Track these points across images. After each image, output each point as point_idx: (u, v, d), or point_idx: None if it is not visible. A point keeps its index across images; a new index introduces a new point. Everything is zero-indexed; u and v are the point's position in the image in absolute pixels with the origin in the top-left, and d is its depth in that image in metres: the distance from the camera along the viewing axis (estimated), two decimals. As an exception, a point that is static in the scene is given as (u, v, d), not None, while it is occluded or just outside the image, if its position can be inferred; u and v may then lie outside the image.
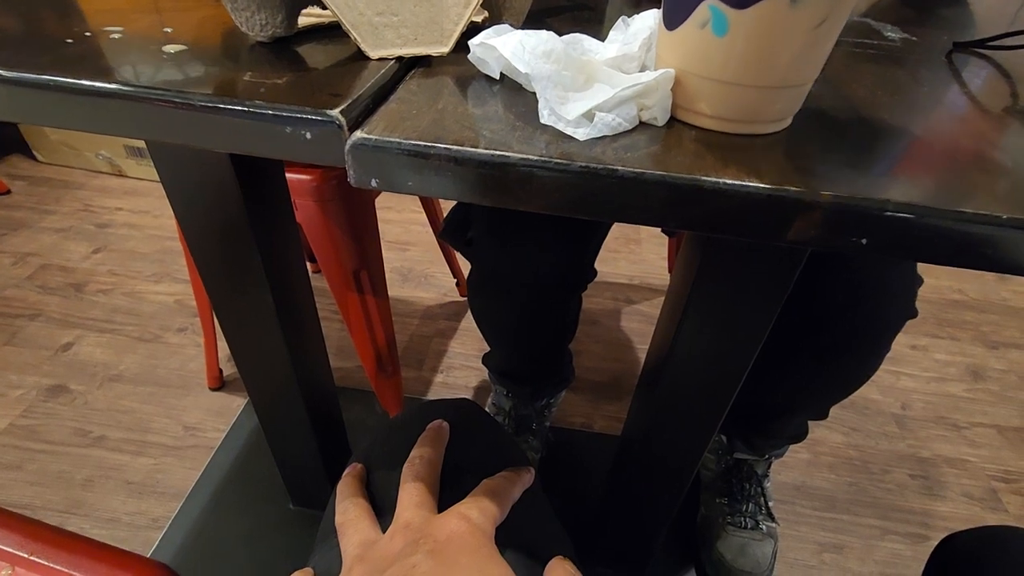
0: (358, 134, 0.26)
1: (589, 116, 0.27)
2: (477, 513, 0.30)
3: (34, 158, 1.69)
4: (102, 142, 1.60)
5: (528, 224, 0.59)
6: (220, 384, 1.06)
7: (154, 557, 0.81)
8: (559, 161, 0.25)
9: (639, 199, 0.25)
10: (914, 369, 1.23)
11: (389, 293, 0.92)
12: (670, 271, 1.35)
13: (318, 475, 0.80)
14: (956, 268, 1.46)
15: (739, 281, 0.44)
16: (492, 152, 0.25)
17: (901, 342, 1.30)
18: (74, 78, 0.27)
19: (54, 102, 0.28)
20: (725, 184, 0.24)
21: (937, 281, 1.47)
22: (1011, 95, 0.36)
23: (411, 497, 0.31)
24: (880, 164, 0.26)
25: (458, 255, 1.27)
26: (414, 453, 0.35)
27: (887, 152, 0.28)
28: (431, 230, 1.22)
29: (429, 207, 1.13)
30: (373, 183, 0.26)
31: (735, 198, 0.24)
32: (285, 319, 0.60)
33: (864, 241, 0.24)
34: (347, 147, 0.26)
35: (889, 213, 0.23)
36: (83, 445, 0.95)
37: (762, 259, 0.42)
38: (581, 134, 0.26)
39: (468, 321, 1.26)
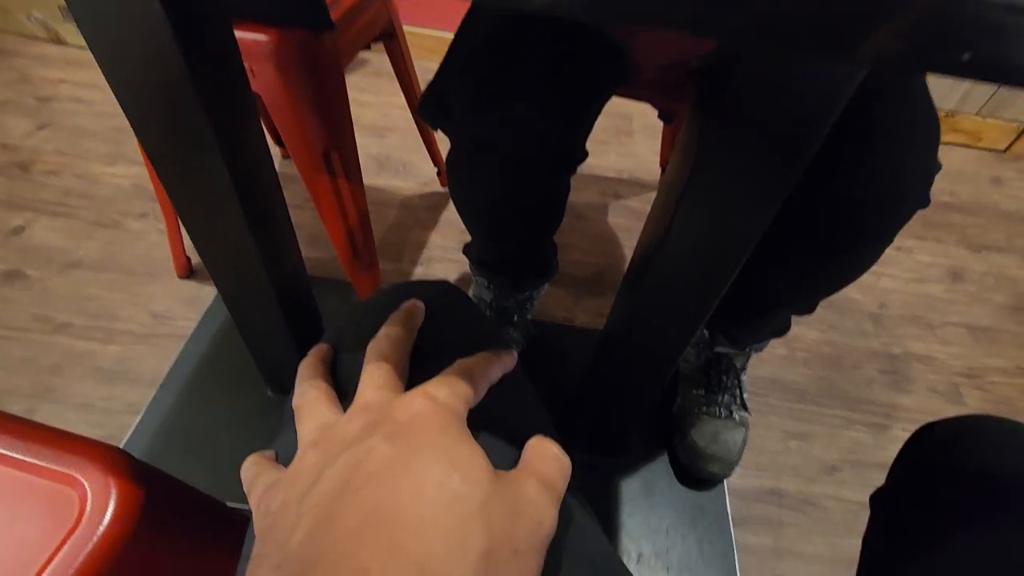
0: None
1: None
2: (446, 392, 0.27)
3: (-44, 19, 1.49)
4: (33, 1, 1.41)
5: (513, 91, 0.53)
6: (189, 272, 1.01)
7: (132, 441, 0.81)
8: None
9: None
10: (896, 270, 1.23)
11: (365, 181, 0.85)
12: (662, 166, 1.29)
13: (294, 366, 0.78)
14: (952, 169, 1.39)
15: (741, 168, 0.39)
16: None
17: (887, 243, 1.29)
18: None
19: None
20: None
21: (931, 183, 1.43)
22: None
23: (373, 378, 0.29)
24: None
25: (439, 139, 1.19)
26: (381, 332, 0.32)
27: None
28: (410, 115, 1.12)
29: (407, 85, 1.03)
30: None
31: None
32: (246, 199, 0.54)
33: (966, 57, 0.19)
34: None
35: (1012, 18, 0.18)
36: (47, 332, 0.91)
37: (769, 141, 0.37)
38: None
39: (449, 212, 1.20)
